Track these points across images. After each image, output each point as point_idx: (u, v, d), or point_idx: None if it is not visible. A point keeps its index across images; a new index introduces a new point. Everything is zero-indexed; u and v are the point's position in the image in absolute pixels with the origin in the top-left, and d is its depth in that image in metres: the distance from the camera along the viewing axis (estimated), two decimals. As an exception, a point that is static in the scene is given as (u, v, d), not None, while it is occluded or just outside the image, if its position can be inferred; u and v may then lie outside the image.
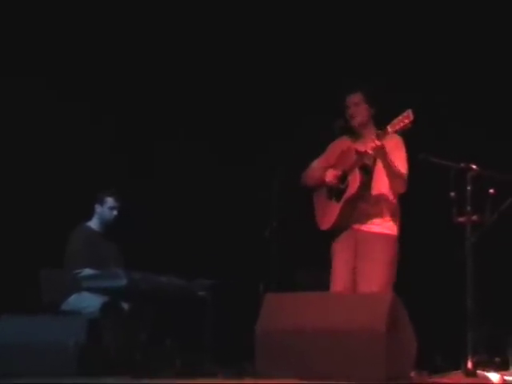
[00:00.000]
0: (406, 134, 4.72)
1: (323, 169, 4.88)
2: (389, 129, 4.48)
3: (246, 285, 6.03)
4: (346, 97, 4.86)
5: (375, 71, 6.21)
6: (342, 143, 4.89)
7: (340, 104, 4.86)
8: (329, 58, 6.68)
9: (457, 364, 4.64)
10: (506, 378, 4.36)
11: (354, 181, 4.68)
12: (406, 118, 4.40)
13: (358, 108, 4.80)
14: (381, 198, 4.74)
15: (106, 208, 5.91)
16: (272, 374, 4.04)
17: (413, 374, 4.29)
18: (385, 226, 4.74)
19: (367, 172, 4.71)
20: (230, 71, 6.90)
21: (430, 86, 6.32)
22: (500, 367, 4.97)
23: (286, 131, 6.67)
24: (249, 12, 6.84)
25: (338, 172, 4.79)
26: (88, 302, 5.39)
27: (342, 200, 4.74)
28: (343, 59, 6.58)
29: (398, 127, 4.44)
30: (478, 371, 4.40)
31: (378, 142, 4.50)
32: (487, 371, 4.49)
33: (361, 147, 4.66)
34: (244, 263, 6.49)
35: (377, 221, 4.74)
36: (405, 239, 4.79)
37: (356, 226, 4.78)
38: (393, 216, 4.77)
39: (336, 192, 4.80)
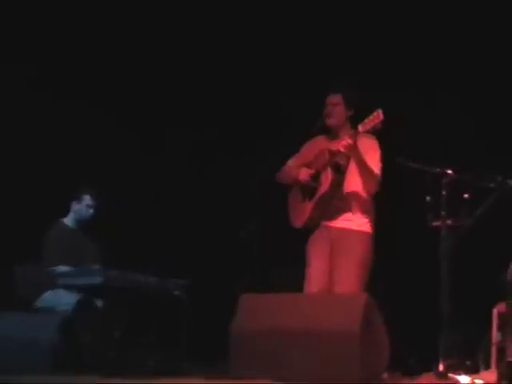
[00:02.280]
0: (382, 138, 4.78)
1: (298, 167, 4.93)
2: (360, 128, 4.54)
3: (222, 284, 6.05)
4: (326, 96, 4.91)
5: (355, 74, 6.25)
6: (318, 143, 4.94)
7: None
8: (312, 60, 6.72)
9: (429, 366, 4.68)
10: (476, 381, 4.42)
11: (326, 179, 4.73)
12: (376, 118, 4.45)
13: (336, 108, 4.85)
14: (354, 196, 4.78)
15: (83, 205, 5.89)
16: (246, 375, 4.04)
17: (385, 375, 4.32)
18: (358, 223, 4.78)
19: (339, 171, 4.76)
20: (211, 77, 6.91)
21: (407, 90, 6.37)
22: (471, 370, 5.02)
23: (263, 134, 6.70)
24: (232, 15, 6.85)
25: (311, 171, 4.84)
26: (63, 299, 5.37)
27: (315, 198, 4.79)
28: (326, 62, 6.62)
29: (368, 127, 4.50)
30: (450, 374, 4.45)
31: (349, 140, 4.56)
32: (458, 374, 4.55)
33: (334, 146, 4.71)
34: (220, 263, 6.50)
35: (350, 218, 4.78)
36: (381, 242, 4.82)
37: (330, 224, 4.82)
38: (366, 214, 4.81)
39: (309, 190, 4.85)
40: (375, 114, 4.46)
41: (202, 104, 6.96)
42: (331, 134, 4.89)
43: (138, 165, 6.91)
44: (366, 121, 4.52)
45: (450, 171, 4.73)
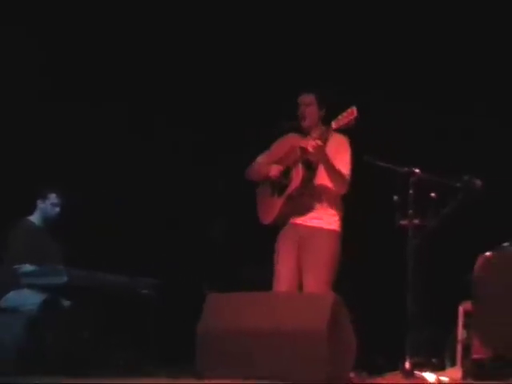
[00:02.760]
0: (353, 137, 4.79)
1: (268, 164, 4.92)
2: (333, 124, 4.55)
3: (190, 284, 6.03)
4: (298, 95, 4.91)
5: (326, 76, 6.27)
6: (289, 140, 4.93)
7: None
8: (285, 61, 6.73)
9: (396, 365, 4.71)
10: (442, 378, 4.45)
11: (297, 176, 4.73)
12: (350, 115, 4.47)
13: (309, 108, 4.85)
14: (323, 194, 4.79)
15: (49, 204, 5.83)
16: (213, 374, 4.03)
17: (352, 374, 4.34)
18: (328, 221, 4.79)
19: (310, 168, 4.77)
20: (186, 77, 6.89)
21: (378, 89, 6.40)
22: (437, 368, 5.07)
23: (230, 133, 6.69)
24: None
25: (282, 167, 4.83)
26: (28, 298, 5.30)
27: (284, 194, 4.79)
28: (299, 64, 6.63)
29: (342, 123, 4.51)
30: (416, 372, 4.48)
31: (318, 142, 4.57)
32: (424, 372, 4.58)
33: (305, 144, 4.71)
34: (188, 262, 6.48)
35: (320, 216, 4.79)
36: (348, 240, 4.84)
37: (299, 221, 4.82)
38: (335, 212, 4.82)
39: (279, 187, 4.85)
40: (349, 110, 4.48)
41: (172, 103, 6.92)
42: (303, 131, 4.90)
43: (106, 163, 6.85)
44: (339, 117, 4.53)
45: (417, 170, 4.76)
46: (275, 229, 4.90)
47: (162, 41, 6.88)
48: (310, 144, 4.60)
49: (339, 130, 4.65)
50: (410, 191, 4.70)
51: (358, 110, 4.43)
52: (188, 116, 6.91)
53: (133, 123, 6.90)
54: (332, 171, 4.67)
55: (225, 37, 6.85)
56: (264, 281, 4.88)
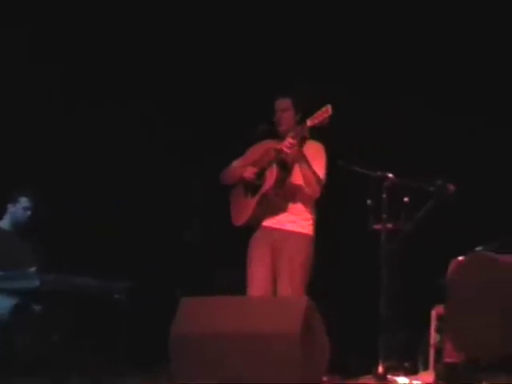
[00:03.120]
0: (327, 141, 4.81)
1: (243, 167, 4.90)
2: (308, 122, 4.56)
3: (164, 287, 6.00)
4: (275, 100, 4.90)
5: (303, 76, 6.28)
6: (264, 145, 4.92)
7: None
8: (257, 63, 6.73)
9: (368, 368, 4.72)
10: (414, 382, 4.48)
11: (271, 176, 4.72)
12: (325, 113, 4.48)
13: (285, 114, 4.84)
14: (298, 195, 4.78)
15: (20, 208, 5.78)
16: (187, 378, 4.01)
17: (325, 377, 4.34)
18: (301, 225, 4.78)
19: (285, 168, 4.76)
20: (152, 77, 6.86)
21: (354, 95, 6.42)
22: (409, 372, 5.09)
23: (206, 134, 6.67)
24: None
25: (256, 169, 4.82)
26: (-2, 303, 5.26)
27: (259, 194, 4.78)
28: (271, 65, 6.64)
29: (317, 121, 4.52)
30: (389, 375, 4.50)
31: (292, 141, 4.58)
32: (397, 375, 4.60)
33: (280, 146, 4.71)
34: (162, 265, 6.44)
35: (293, 220, 4.78)
36: (322, 244, 4.84)
37: (272, 225, 4.81)
38: (309, 216, 4.81)
39: (252, 188, 4.83)
40: (324, 109, 4.49)
41: (143, 106, 6.89)
42: (279, 136, 4.88)
43: (77, 166, 6.80)
44: (314, 115, 4.53)
45: (390, 175, 4.78)
46: (249, 232, 4.89)
47: (148, 45, 6.85)
48: (285, 144, 4.61)
49: (314, 136, 4.67)
50: (384, 195, 4.74)
51: (334, 110, 4.45)
52: (162, 118, 6.88)
53: (106, 124, 6.85)
54: (308, 170, 4.66)
55: (210, 39, 6.83)
56: (238, 285, 4.87)
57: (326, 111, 4.46)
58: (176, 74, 6.88)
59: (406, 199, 4.79)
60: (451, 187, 4.89)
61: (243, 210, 4.85)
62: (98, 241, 6.56)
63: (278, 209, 4.79)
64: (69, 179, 6.66)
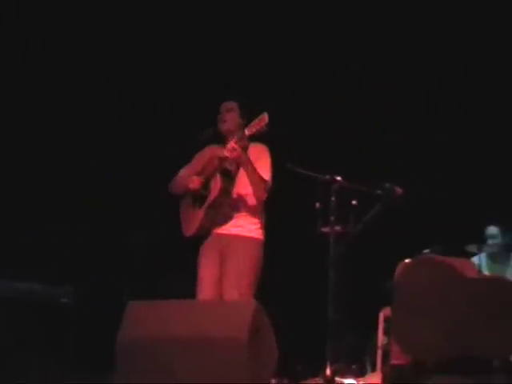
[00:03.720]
0: (275, 144, 4.82)
1: (189, 176, 4.91)
2: (246, 131, 4.59)
3: (111, 292, 5.94)
4: (221, 103, 4.93)
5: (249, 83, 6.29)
6: (209, 151, 4.94)
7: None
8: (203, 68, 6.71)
9: (317, 371, 4.73)
10: (362, 383, 4.50)
11: (216, 186, 4.74)
12: (261, 121, 4.52)
13: (230, 114, 4.88)
14: (243, 202, 4.81)
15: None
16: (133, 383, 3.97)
17: (274, 381, 4.34)
18: (249, 229, 4.80)
19: (228, 177, 4.78)
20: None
21: (299, 98, 6.45)
22: (357, 374, 5.12)
23: (156, 141, 6.63)
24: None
25: (202, 179, 4.83)
26: None
27: (205, 205, 4.79)
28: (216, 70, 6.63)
29: (254, 129, 4.56)
30: (336, 378, 4.52)
31: (234, 145, 4.59)
32: (345, 378, 4.62)
33: (223, 153, 4.72)
34: (109, 270, 6.38)
35: (241, 224, 4.80)
36: (270, 248, 4.85)
37: (220, 231, 4.82)
38: (256, 220, 4.84)
39: (199, 198, 4.84)
40: (261, 117, 4.53)
41: (94, 109, 6.82)
42: (223, 141, 4.89)
43: (21, 166, 6.68)
44: (251, 124, 4.58)
45: (338, 178, 4.80)
46: (199, 237, 4.87)
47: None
48: (227, 148, 4.63)
49: (258, 138, 4.68)
50: (332, 198, 4.75)
51: (271, 116, 4.47)
52: (112, 125, 6.81)
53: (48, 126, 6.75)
54: (252, 173, 4.68)
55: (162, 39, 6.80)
56: (186, 289, 4.85)
57: (263, 119, 4.51)
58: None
59: (354, 202, 4.81)
60: (398, 190, 4.93)
61: (191, 221, 4.86)
62: (46, 244, 6.47)
63: (225, 216, 4.81)
64: (10, 180, 6.55)
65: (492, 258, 6.26)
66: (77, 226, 6.60)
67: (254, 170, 4.69)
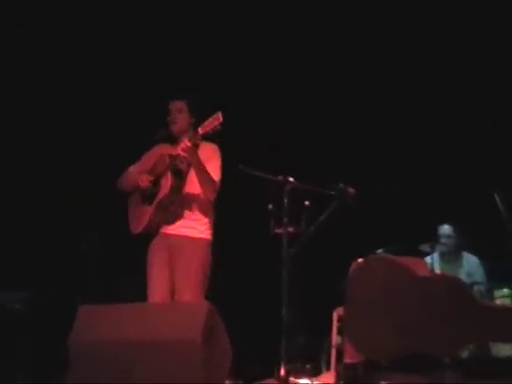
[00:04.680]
0: (227, 146, 4.82)
1: (139, 174, 4.90)
2: (200, 130, 4.59)
3: (64, 296, 5.88)
4: (169, 101, 4.92)
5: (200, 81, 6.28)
6: (160, 149, 4.93)
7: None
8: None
9: (271, 372, 4.74)
10: (316, 383, 4.53)
11: (166, 184, 4.73)
12: (215, 120, 4.52)
13: (180, 115, 4.88)
14: (193, 201, 4.81)
15: None
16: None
17: (228, 382, 4.34)
18: (198, 230, 4.80)
19: (179, 175, 4.78)
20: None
21: (252, 101, 6.46)
22: (312, 373, 5.15)
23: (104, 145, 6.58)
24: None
25: (151, 176, 4.83)
26: None
27: (154, 203, 4.78)
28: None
29: (208, 128, 4.55)
30: (291, 378, 4.53)
31: (188, 143, 4.59)
32: (299, 378, 4.64)
33: (174, 151, 4.73)
34: (62, 275, 6.32)
35: (190, 225, 4.80)
36: (223, 249, 4.85)
37: (169, 231, 4.81)
38: (206, 221, 4.84)
39: (149, 196, 4.83)
40: (215, 116, 4.53)
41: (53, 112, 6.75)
42: (174, 140, 4.89)
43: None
44: (205, 123, 4.57)
45: (291, 179, 4.82)
46: (148, 239, 4.86)
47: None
48: (180, 147, 4.62)
49: (211, 138, 4.68)
50: (285, 199, 4.77)
51: (230, 116, 4.47)
52: (58, 130, 6.74)
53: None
54: (202, 173, 4.70)
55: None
56: (137, 292, 4.83)
57: (217, 118, 4.51)
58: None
59: (306, 203, 4.84)
60: (351, 191, 4.97)
61: (140, 218, 4.84)
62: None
63: (175, 215, 4.80)
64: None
65: (443, 257, 6.31)
66: (28, 231, 6.52)
67: (204, 169, 4.70)
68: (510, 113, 6.38)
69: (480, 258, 6.28)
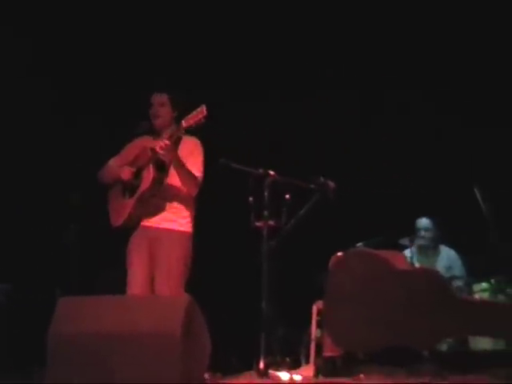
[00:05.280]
0: (209, 139, 4.82)
1: (120, 166, 4.87)
2: (183, 123, 4.56)
3: (44, 289, 5.86)
4: (151, 94, 4.89)
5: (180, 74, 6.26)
6: (141, 142, 4.90)
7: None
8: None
9: (251, 365, 4.75)
10: (295, 376, 4.54)
11: (148, 177, 4.70)
12: (199, 113, 4.49)
13: (162, 109, 4.84)
14: (175, 195, 4.79)
15: None
16: (64, 379, 3.93)
17: (207, 374, 4.34)
18: (179, 223, 4.79)
19: (161, 168, 4.76)
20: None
21: (234, 94, 6.45)
22: (292, 366, 5.16)
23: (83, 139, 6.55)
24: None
25: (133, 169, 4.80)
26: None
27: (136, 195, 4.75)
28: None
29: (192, 121, 4.52)
30: (270, 371, 4.54)
31: (166, 142, 4.57)
32: (279, 371, 4.65)
33: (155, 144, 4.69)
34: (42, 267, 6.29)
35: (171, 218, 4.78)
36: (203, 242, 4.85)
37: (150, 224, 4.80)
38: (187, 214, 4.82)
39: (130, 188, 4.81)
40: (199, 109, 4.49)
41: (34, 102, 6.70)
42: (156, 133, 4.88)
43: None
44: (189, 116, 4.53)
45: (272, 172, 4.83)
46: (128, 232, 4.85)
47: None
48: (159, 144, 4.59)
49: (192, 132, 4.67)
50: (265, 193, 4.78)
51: (210, 110, 4.46)
52: (43, 124, 6.70)
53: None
54: (182, 171, 4.68)
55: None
56: (117, 285, 4.82)
57: (201, 112, 4.47)
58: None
59: (287, 196, 4.85)
60: (332, 185, 4.99)
61: (121, 210, 4.81)
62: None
63: (156, 208, 4.78)
64: None
65: (421, 251, 6.31)
66: (8, 223, 6.48)
67: (184, 166, 4.68)
68: (489, 107, 6.42)
69: (458, 251, 6.31)
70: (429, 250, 6.33)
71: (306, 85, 6.59)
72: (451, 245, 6.34)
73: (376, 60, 6.63)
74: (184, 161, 4.69)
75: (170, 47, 6.65)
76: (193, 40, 6.65)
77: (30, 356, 5.20)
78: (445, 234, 6.33)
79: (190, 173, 4.70)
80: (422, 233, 6.31)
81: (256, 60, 6.61)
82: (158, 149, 4.59)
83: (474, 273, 5.94)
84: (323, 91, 6.57)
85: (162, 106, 4.84)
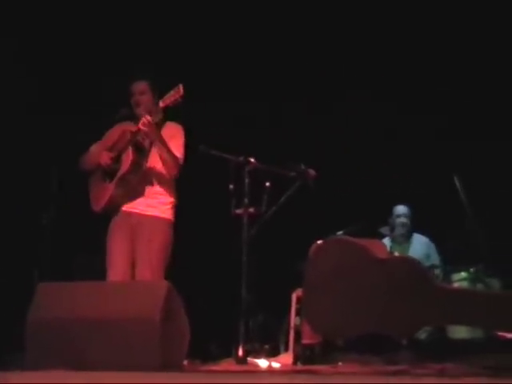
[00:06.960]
0: (187, 126, 4.82)
1: (100, 152, 4.86)
2: (161, 103, 4.59)
3: (21, 273, 5.83)
4: (131, 84, 4.89)
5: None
6: (121, 127, 4.91)
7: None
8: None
9: (230, 352, 4.76)
10: (273, 363, 4.55)
11: (127, 159, 4.71)
12: (176, 93, 4.51)
13: (143, 96, 4.86)
14: (155, 178, 4.80)
15: None
16: (43, 365, 3.92)
17: (186, 361, 4.34)
18: (160, 209, 4.79)
19: (141, 151, 4.77)
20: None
21: (213, 81, 6.43)
22: (270, 354, 5.17)
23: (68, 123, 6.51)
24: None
25: (113, 153, 4.80)
26: None
27: (115, 178, 4.75)
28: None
29: (169, 101, 4.55)
30: (249, 358, 4.55)
31: (148, 117, 4.58)
32: (258, 358, 4.66)
33: (136, 127, 4.72)
34: (18, 251, 6.25)
35: (152, 204, 4.79)
36: (184, 229, 4.84)
37: (131, 210, 4.79)
38: (168, 200, 4.83)
39: (110, 173, 4.81)
40: (176, 89, 4.52)
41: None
42: (137, 119, 4.86)
43: None
44: (166, 96, 4.56)
45: (252, 160, 4.83)
46: (108, 217, 4.83)
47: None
48: (141, 121, 4.61)
49: (172, 119, 4.67)
50: (246, 180, 4.78)
51: (188, 97, 4.46)
52: (28, 106, 6.64)
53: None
54: (163, 149, 4.69)
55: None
56: (97, 270, 4.80)
57: (178, 91, 4.49)
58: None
59: (267, 184, 4.85)
60: (312, 172, 5.00)
61: (101, 194, 4.81)
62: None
63: (136, 193, 4.77)
64: None
65: (393, 239, 6.29)
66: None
67: (165, 144, 4.69)
68: (469, 97, 6.43)
69: (432, 240, 6.27)
70: (403, 237, 6.30)
71: (287, 71, 6.58)
72: (423, 232, 6.30)
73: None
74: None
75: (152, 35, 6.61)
76: (168, 24, 6.62)
77: (6, 341, 5.18)
78: (416, 222, 6.30)
79: (170, 151, 4.71)
80: (402, 219, 6.26)
81: (237, 44, 6.60)
82: (140, 126, 4.59)
83: (453, 262, 5.95)
84: (302, 77, 6.56)
85: (142, 94, 4.86)
